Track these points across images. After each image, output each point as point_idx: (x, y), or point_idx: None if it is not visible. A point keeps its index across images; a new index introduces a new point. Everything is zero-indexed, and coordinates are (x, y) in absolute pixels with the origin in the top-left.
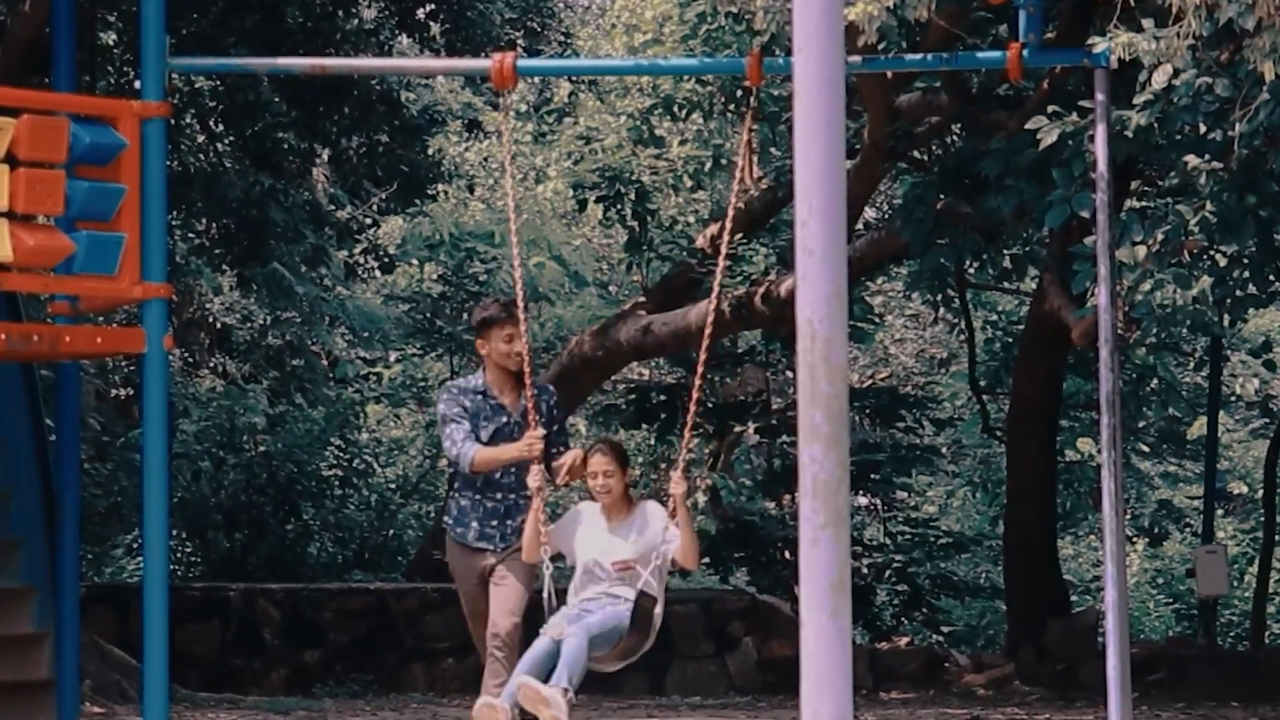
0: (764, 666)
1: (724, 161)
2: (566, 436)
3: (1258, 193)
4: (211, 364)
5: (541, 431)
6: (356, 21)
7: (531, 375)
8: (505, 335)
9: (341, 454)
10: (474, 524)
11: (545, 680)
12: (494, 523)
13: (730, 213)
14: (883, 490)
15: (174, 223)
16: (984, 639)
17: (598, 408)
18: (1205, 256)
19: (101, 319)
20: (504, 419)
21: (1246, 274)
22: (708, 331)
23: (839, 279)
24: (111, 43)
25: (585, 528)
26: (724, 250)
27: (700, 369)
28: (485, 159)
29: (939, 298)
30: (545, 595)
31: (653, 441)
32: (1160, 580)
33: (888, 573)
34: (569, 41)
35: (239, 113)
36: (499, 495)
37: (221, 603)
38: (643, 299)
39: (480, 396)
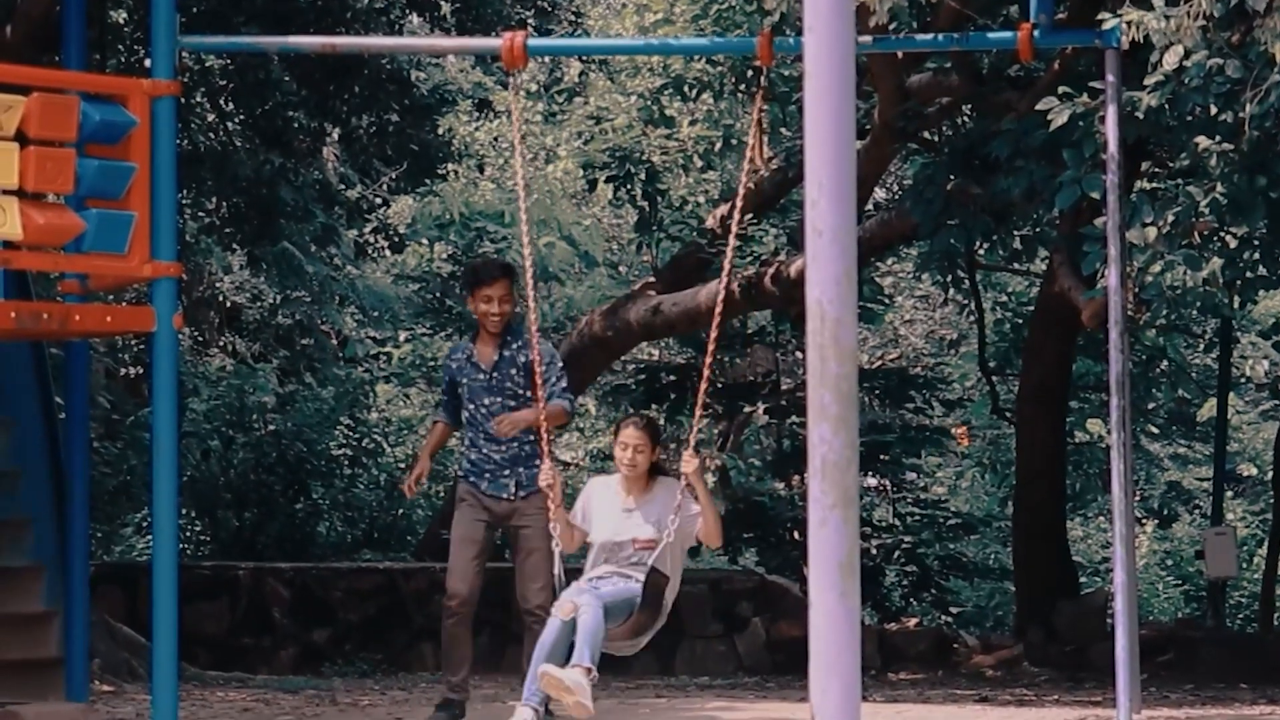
0: (773, 647)
1: (734, 142)
2: (558, 387)
3: (1268, 174)
4: (221, 343)
5: (554, 470)
6: (367, 0)
7: (523, 335)
8: (484, 296)
9: (351, 433)
10: (487, 475)
11: (565, 662)
12: (506, 472)
13: (741, 192)
14: (892, 471)
15: (184, 201)
16: (993, 620)
17: (607, 388)
18: (1215, 238)
19: (111, 297)
20: (479, 375)
21: (1257, 256)
22: (718, 310)
23: (849, 259)
24: (122, 21)
25: (602, 504)
26: (734, 230)
27: (711, 347)
28: (495, 139)
29: (949, 279)
30: (555, 575)
31: (662, 421)
32: (1169, 562)
33: (896, 553)
34: (579, 21)
35: (249, 91)
36: (504, 446)
37: (230, 581)
38: (652, 279)
39: (464, 356)
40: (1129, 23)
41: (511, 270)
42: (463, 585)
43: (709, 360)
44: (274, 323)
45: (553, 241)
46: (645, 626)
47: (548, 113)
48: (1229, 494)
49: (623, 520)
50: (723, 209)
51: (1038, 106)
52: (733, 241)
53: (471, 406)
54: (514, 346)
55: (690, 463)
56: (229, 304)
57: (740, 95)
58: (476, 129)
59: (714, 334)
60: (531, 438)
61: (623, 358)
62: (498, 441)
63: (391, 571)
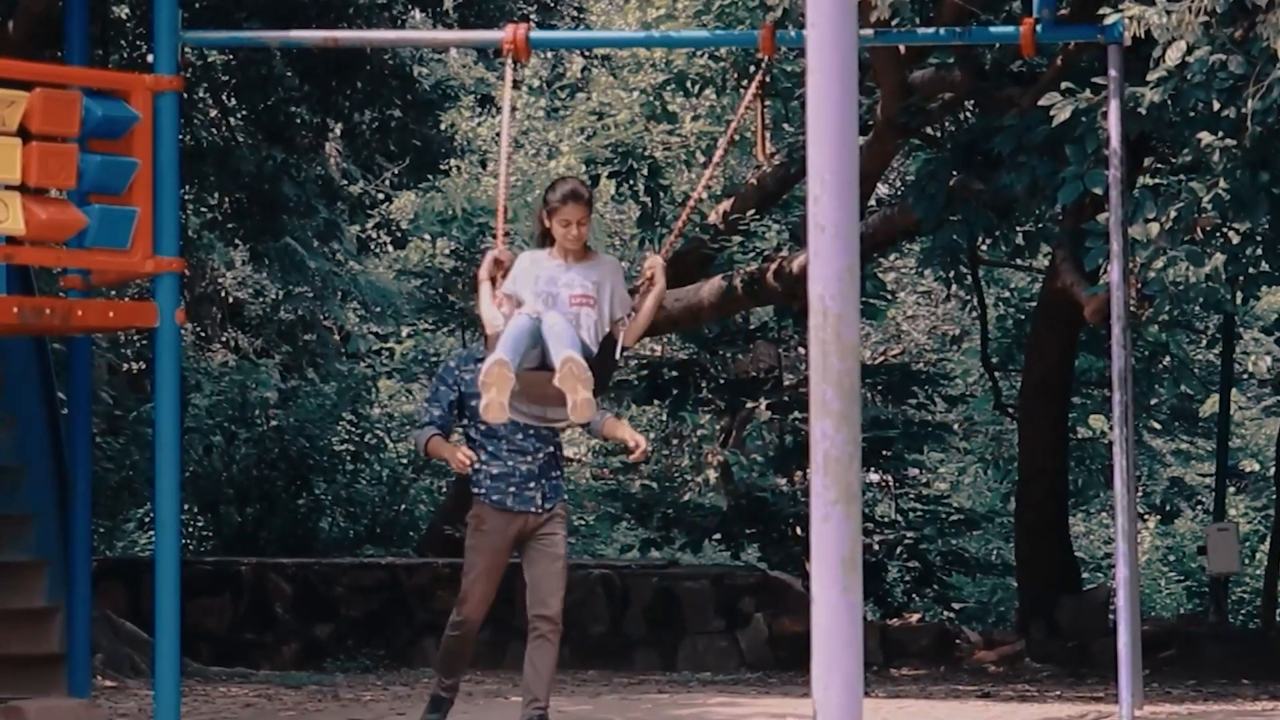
0: (775, 643)
1: (737, 137)
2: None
3: (1271, 170)
4: (223, 338)
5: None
6: None
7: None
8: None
9: (353, 429)
10: (512, 490)
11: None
12: (532, 484)
13: (715, 158)
14: (894, 467)
15: (186, 197)
16: (995, 616)
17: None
18: (1218, 234)
19: (114, 293)
20: (560, 276)
21: (1259, 251)
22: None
23: (851, 255)
24: (124, 16)
25: (540, 268)
26: (702, 185)
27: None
28: (498, 134)
29: (951, 274)
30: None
31: (665, 417)
32: (1172, 558)
33: (899, 549)
34: (582, 15)
35: (252, 87)
36: (528, 458)
37: (233, 577)
38: None
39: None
40: (1131, 18)
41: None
42: (481, 611)
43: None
44: (276, 318)
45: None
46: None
47: (550, 108)
48: (1231, 490)
49: (563, 276)
50: (725, 204)
51: (1040, 102)
52: (699, 193)
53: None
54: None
55: (656, 263)
56: (231, 299)
57: (743, 90)
58: (479, 124)
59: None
60: (552, 448)
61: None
62: (524, 452)
63: (394, 567)
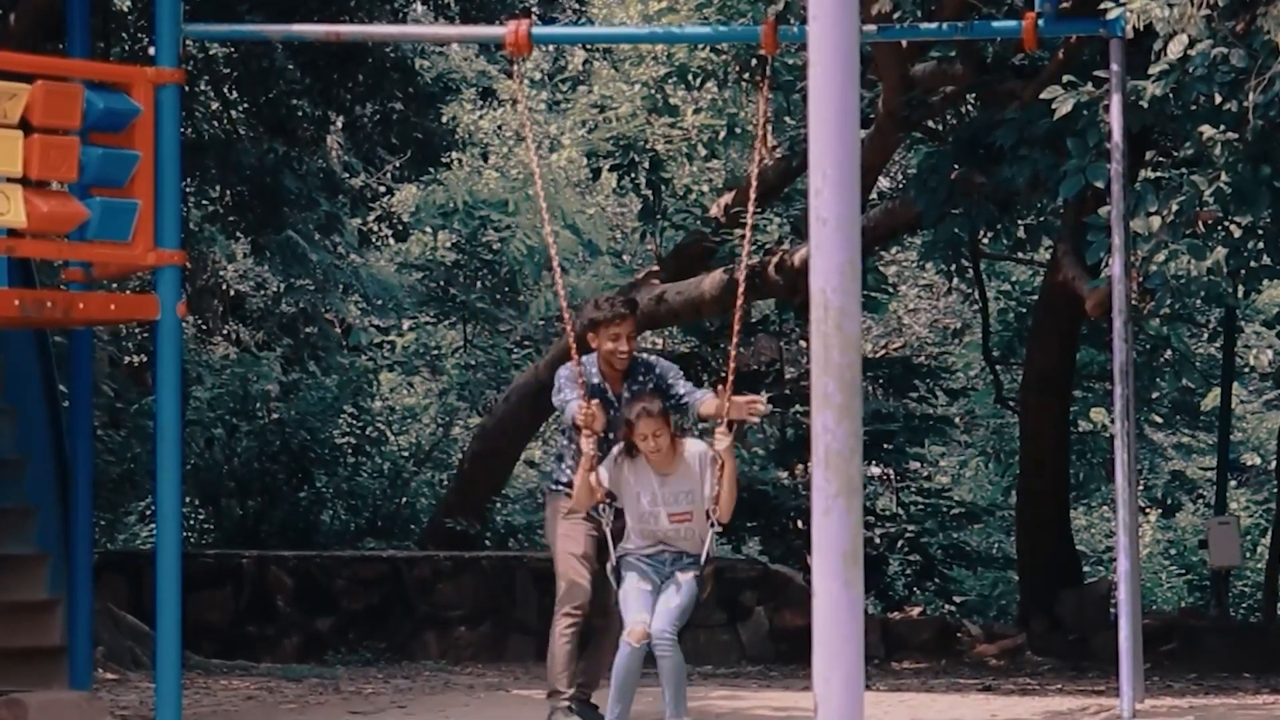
0: (776, 636)
1: (738, 130)
2: (689, 388)
3: (1272, 163)
4: (225, 331)
5: (588, 404)
6: None
7: (654, 370)
8: (613, 334)
9: (355, 422)
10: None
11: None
12: None
13: (754, 181)
14: (895, 460)
15: (188, 190)
16: (996, 609)
17: None
18: (1220, 227)
19: (115, 286)
20: (610, 410)
21: (1261, 245)
22: (739, 295)
23: (853, 248)
24: (126, 9)
25: (635, 473)
26: (749, 222)
27: (736, 327)
28: (499, 127)
29: (953, 268)
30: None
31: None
32: (1173, 551)
33: (900, 543)
34: (583, 9)
35: (253, 80)
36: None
37: (234, 570)
38: (656, 268)
39: (598, 380)
40: (1133, 11)
41: (635, 306)
42: (583, 590)
43: (735, 342)
44: (278, 311)
45: (556, 230)
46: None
47: (551, 101)
48: (1232, 483)
49: (659, 494)
50: (727, 197)
51: (1042, 95)
52: (749, 234)
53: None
54: (639, 381)
55: (723, 440)
56: (233, 292)
57: (744, 84)
58: (480, 117)
59: (736, 323)
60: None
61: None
62: None
63: (395, 560)
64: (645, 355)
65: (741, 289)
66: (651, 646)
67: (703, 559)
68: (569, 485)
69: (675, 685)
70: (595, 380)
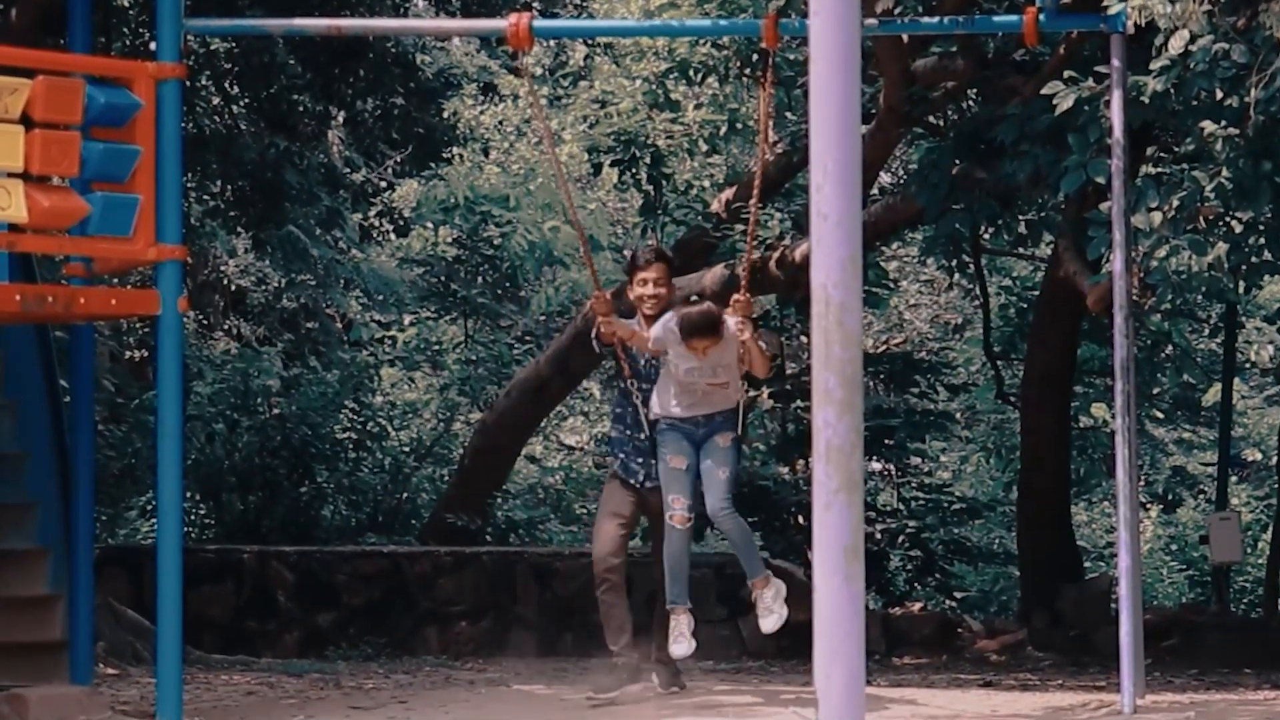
0: (777, 631)
1: (739, 126)
2: None
3: (1274, 159)
4: (226, 326)
5: (603, 294)
6: None
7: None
8: (640, 279)
9: (355, 417)
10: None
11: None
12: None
13: (758, 183)
14: (896, 456)
15: (189, 185)
16: (997, 605)
17: (611, 371)
18: (1221, 223)
19: (116, 281)
20: (642, 359)
21: (1262, 240)
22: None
23: (854, 244)
24: (127, 4)
25: (679, 346)
26: (753, 218)
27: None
28: (500, 122)
29: (954, 263)
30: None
31: None
32: (1174, 547)
33: (901, 538)
34: (585, 4)
35: (254, 75)
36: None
37: (235, 565)
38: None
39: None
40: (1134, 7)
41: (666, 255)
42: (609, 553)
43: (754, 211)
44: (279, 306)
45: (557, 225)
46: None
47: (552, 96)
48: (1233, 479)
49: (691, 365)
50: (728, 193)
51: (1043, 91)
52: (753, 229)
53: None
54: None
55: (745, 314)
56: (234, 287)
57: (745, 79)
58: (482, 112)
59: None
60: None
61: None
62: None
63: (396, 555)
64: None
65: (744, 282)
66: (714, 523)
67: (739, 422)
68: (621, 471)
69: (746, 549)
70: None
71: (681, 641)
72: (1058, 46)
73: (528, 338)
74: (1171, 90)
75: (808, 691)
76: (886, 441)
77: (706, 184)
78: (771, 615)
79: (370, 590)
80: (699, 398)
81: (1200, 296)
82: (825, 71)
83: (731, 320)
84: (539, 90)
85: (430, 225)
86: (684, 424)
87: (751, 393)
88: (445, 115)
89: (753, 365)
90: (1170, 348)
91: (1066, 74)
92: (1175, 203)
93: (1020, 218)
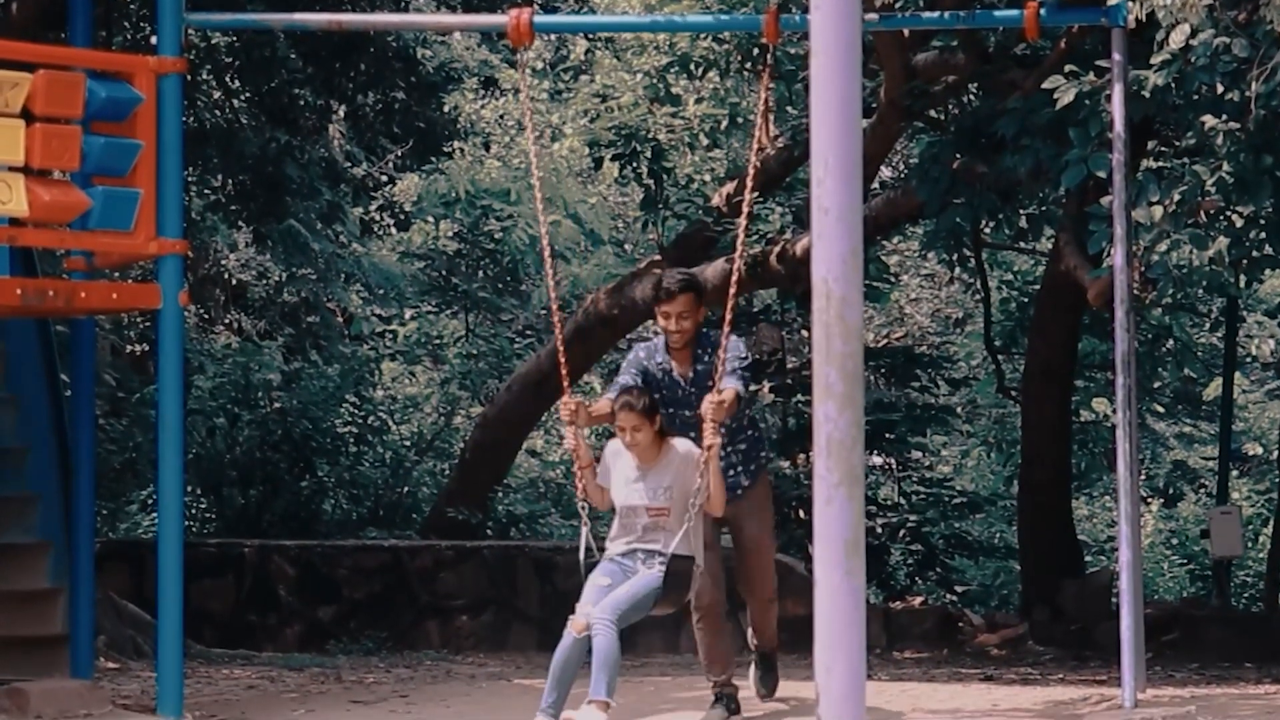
0: (778, 625)
1: (740, 120)
2: (732, 379)
3: (1275, 153)
4: (227, 320)
5: (573, 399)
6: None
7: (714, 343)
8: (664, 313)
9: (356, 411)
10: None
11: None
12: (738, 468)
13: (751, 172)
14: (897, 450)
15: (190, 179)
16: (998, 599)
17: (612, 366)
18: (1222, 217)
19: (117, 275)
20: (678, 389)
21: (1263, 235)
22: (732, 287)
23: (854, 238)
24: None
25: (620, 468)
26: (746, 210)
27: (729, 318)
28: (501, 116)
29: (955, 257)
30: (583, 545)
31: None
32: (1175, 541)
33: (902, 532)
34: None
35: (255, 69)
36: (736, 443)
37: (236, 559)
38: (658, 257)
39: (663, 368)
40: (1135, 1)
41: (696, 284)
42: (712, 586)
43: (726, 331)
44: (279, 300)
45: (558, 220)
46: (671, 607)
47: (553, 91)
48: (1234, 473)
49: (639, 487)
50: (729, 187)
51: (1044, 85)
52: (744, 222)
53: (682, 413)
54: (705, 360)
55: (712, 437)
56: (234, 281)
57: (746, 73)
58: (483, 107)
59: (728, 313)
60: (751, 431)
61: (628, 335)
62: (729, 440)
63: (397, 549)
64: (714, 332)
65: (736, 279)
66: (589, 625)
67: (669, 552)
68: None
69: (604, 666)
70: (659, 360)
71: None
72: (1058, 41)
73: (528, 332)
74: (1172, 84)
75: (807, 686)
76: (887, 436)
77: (707, 178)
78: None
79: (371, 584)
80: (639, 528)
81: (1201, 291)
82: (826, 66)
83: (703, 410)
84: (539, 84)
85: (431, 219)
86: (619, 560)
87: (692, 518)
88: (446, 110)
89: (708, 492)
90: (1171, 342)
91: (1067, 68)
92: (1176, 197)
93: (1021, 212)
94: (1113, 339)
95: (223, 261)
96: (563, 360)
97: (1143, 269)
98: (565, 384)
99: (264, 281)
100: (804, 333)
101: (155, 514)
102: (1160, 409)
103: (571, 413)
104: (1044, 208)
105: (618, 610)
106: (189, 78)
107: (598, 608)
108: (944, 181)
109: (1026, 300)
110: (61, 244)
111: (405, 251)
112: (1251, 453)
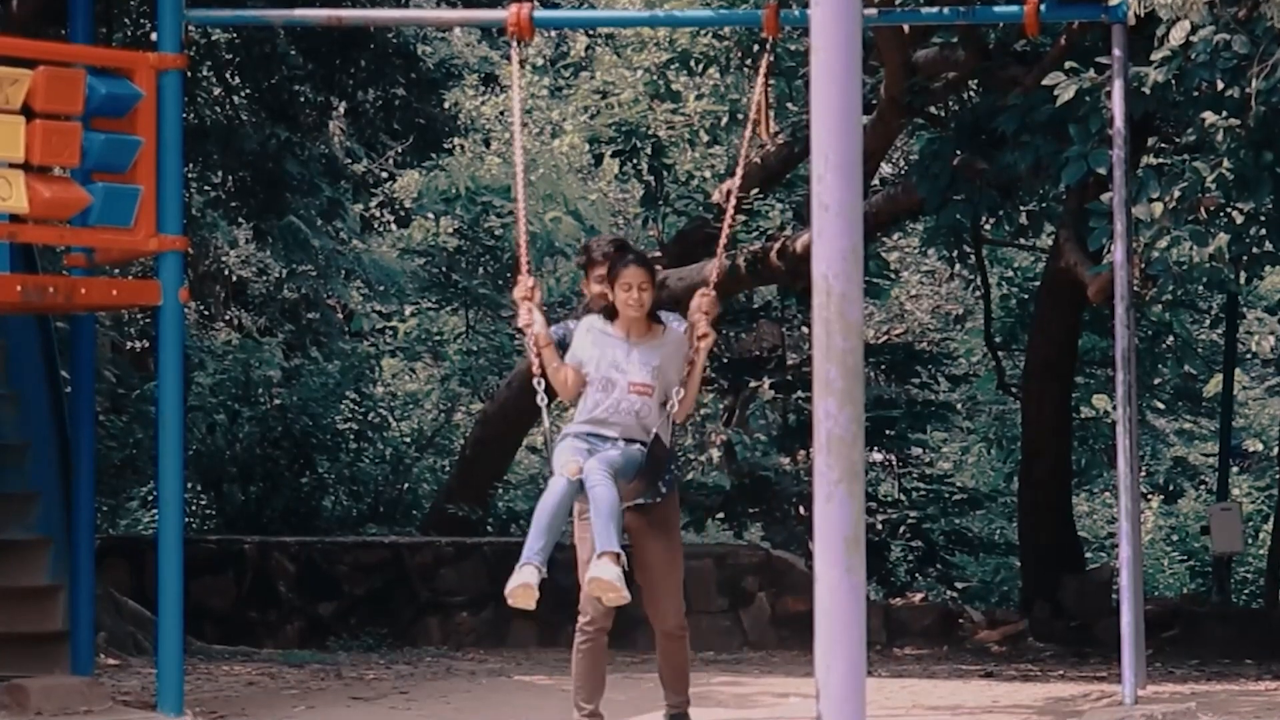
0: (778, 622)
1: (740, 116)
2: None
3: (1275, 150)
4: (227, 317)
5: (531, 278)
6: None
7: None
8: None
9: (357, 407)
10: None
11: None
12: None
13: (741, 163)
14: (897, 446)
15: (190, 175)
16: (998, 595)
17: None
18: (1222, 213)
19: (117, 271)
20: (618, 350)
21: (1263, 231)
22: (717, 256)
23: (855, 234)
24: None
25: (602, 339)
26: (731, 199)
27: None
28: (502, 113)
29: (955, 254)
30: (545, 429)
31: None
32: (1175, 537)
33: (902, 529)
34: None
35: (255, 65)
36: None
37: (236, 555)
38: (659, 253)
39: (598, 330)
40: None
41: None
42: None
43: (729, 218)
44: (280, 297)
45: (559, 216)
46: (643, 491)
47: (554, 87)
48: (1234, 469)
49: (625, 358)
50: (729, 183)
51: (1044, 81)
52: (730, 210)
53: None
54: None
55: (705, 330)
56: (235, 278)
57: (746, 70)
58: (483, 103)
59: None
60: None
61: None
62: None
63: (397, 545)
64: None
65: (719, 258)
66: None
67: (654, 430)
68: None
69: (612, 517)
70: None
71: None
72: (1059, 37)
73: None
74: (1173, 81)
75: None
76: (888, 432)
77: (708, 175)
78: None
79: (371, 581)
80: (615, 405)
81: (1201, 287)
82: (826, 62)
83: (694, 305)
84: (538, 80)
85: (431, 216)
86: (586, 439)
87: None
88: (446, 106)
89: (685, 390)
90: (1171, 338)
91: (1067, 65)
92: (1176, 193)
93: (1021, 208)
94: (1113, 335)
95: (223, 258)
96: (522, 244)
97: (1143, 265)
98: (523, 263)
99: (264, 278)
100: (804, 329)
101: (155, 510)
102: (1160, 405)
103: (529, 288)
104: (1044, 204)
105: (612, 465)
106: (189, 74)
107: (590, 462)
108: (944, 178)
109: (1027, 297)
110: (62, 240)
111: (405, 248)
112: (1252, 449)
